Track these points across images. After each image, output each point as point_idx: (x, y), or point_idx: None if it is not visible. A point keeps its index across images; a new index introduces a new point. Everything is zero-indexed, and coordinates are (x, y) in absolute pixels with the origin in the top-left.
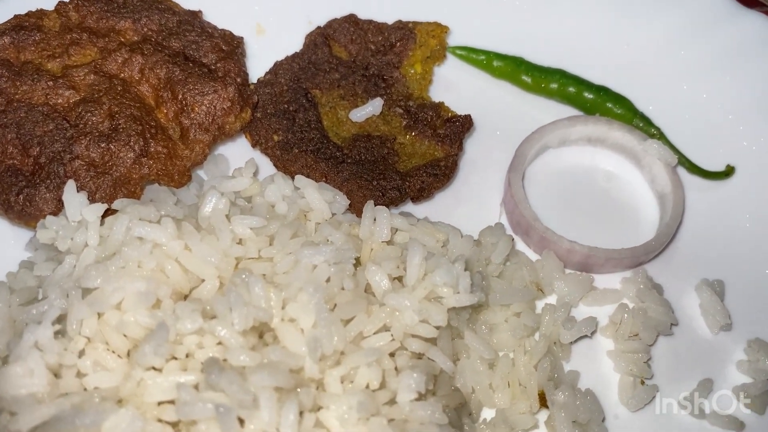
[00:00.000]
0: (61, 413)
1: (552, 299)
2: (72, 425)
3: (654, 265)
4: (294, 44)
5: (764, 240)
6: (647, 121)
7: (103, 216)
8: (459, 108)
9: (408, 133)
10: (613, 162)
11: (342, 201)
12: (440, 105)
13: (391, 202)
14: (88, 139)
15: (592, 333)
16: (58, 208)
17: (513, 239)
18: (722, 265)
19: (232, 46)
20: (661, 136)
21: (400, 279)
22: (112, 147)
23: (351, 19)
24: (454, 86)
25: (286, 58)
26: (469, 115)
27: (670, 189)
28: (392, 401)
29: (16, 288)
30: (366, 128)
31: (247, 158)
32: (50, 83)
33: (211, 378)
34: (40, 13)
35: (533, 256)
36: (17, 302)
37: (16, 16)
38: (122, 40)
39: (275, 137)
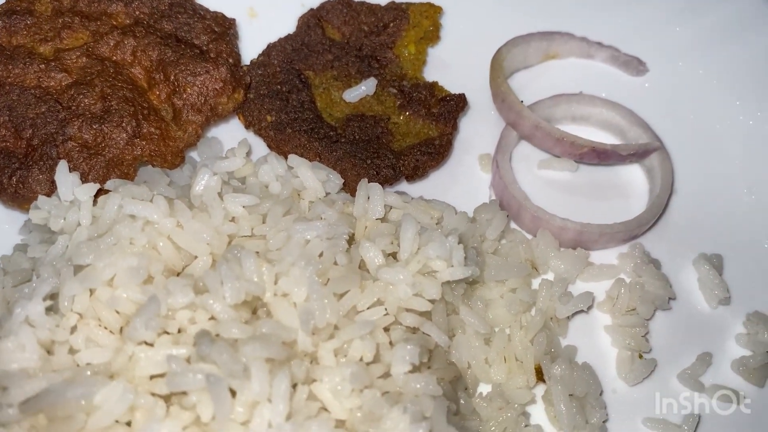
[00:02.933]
0: (53, 386)
1: (548, 276)
2: (63, 397)
3: (651, 240)
4: (287, 27)
5: (762, 214)
6: None
7: (96, 196)
8: (453, 88)
9: (402, 113)
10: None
11: (336, 180)
12: (434, 84)
13: (385, 181)
14: (80, 120)
15: (589, 308)
16: (51, 190)
17: (508, 216)
18: (720, 239)
19: (224, 28)
20: None
21: (394, 255)
22: (104, 128)
23: (344, 1)
24: (448, 66)
25: (279, 39)
26: (463, 94)
27: (657, 162)
28: (386, 374)
29: (10, 270)
30: (360, 108)
31: (240, 140)
32: (42, 66)
33: (202, 349)
34: None
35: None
36: (11, 284)
37: (7, 1)
38: (114, 23)
39: (268, 118)
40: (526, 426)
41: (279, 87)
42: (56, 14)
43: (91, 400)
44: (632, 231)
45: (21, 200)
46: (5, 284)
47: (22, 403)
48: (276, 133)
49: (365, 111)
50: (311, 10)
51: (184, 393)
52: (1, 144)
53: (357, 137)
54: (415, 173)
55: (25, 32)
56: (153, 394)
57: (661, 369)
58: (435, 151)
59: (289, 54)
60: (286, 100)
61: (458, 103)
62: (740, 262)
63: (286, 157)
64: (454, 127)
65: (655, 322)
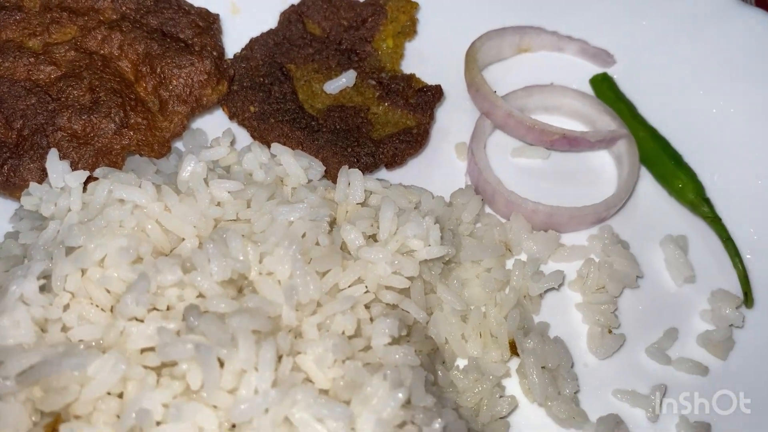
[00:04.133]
0: (47, 358)
1: (521, 257)
2: (58, 369)
3: (619, 222)
4: (268, 22)
5: (725, 197)
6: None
7: (85, 184)
8: (430, 79)
9: (381, 104)
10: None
11: (317, 167)
12: (412, 76)
13: (365, 168)
14: (69, 111)
15: (560, 286)
16: (42, 178)
17: (482, 200)
18: (686, 221)
19: (208, 22)
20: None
21: (374, 237)
22: (93, 119)
23: None
24: (424, 59)
25: (262, 34)
26: (439, 86)
27: (625, 149)
28: (367, 348)
29: (2, 256)
30: (340, 100)
31: (223, 130)
32: (32, 60)
33: (191, 321)
34: None
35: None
36: (3, 269)
37: None
38: (101, 18)
39: (251, 108)
40: (501, 397)
41: (262, 79)
42: (44, 9)
43: (84, 371)
44: (601, 214)
45: (12, 188)
46: None
47: (19, 375)
48: (259, 123)
49: (345, 102)
50: (292, 6)
51: (174, 364)
52: None
53: (338, 127)
54: (394, 161)
55: (14, 27)
56: (144, 367)
57: (629, 343)
58: (413, 140)
59: (271, 48)
60: (269, 92)
61: (435, 94)
62: (704, 243)
63: (269, 146)
64: (431, 117)
65: (624, 300)
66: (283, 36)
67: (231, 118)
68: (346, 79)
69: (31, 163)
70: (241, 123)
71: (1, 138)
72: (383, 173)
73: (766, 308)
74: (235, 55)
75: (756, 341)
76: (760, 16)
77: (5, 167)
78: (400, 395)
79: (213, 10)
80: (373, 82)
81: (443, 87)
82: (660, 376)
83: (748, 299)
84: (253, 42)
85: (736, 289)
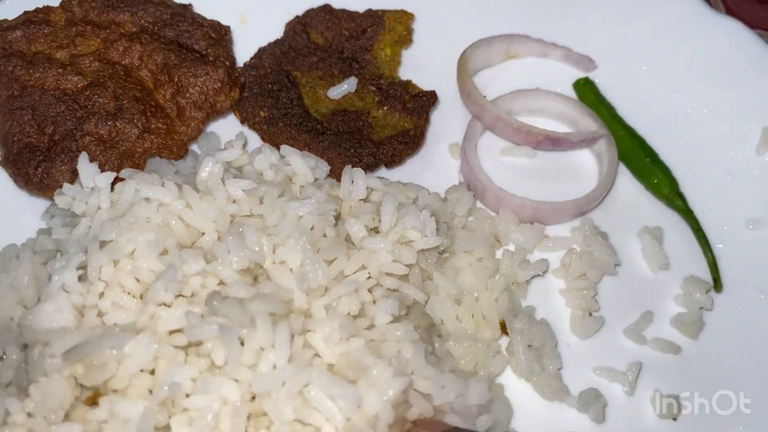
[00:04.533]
0: (89, 339)
1: (510, 247)
2: (99, 347)
3: (599, 215)
4: (274, 32)
5: (698, 192)
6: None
7: (112, 184)
8: (425, 85)
9: (380, 108)
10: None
11: (323, 167)
12: (408, 83)
13: (366, 168)
14: (96, 118)
15: (544, 272)
16: (72, 179)
17: (474, 196)
18: (661, 213)
19: (220, 34)
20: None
21: (375, 229)
22: (117, 124)
23: (326, 9)
24: (420, 66)
25: (269, 44)
26: (434, 91)
27: (604, 148)
28: (371, 326)
29: (37, 250)
30: (343, 104)
31: (237, 133)
32: (60, 70)
33: (214, 305)
34: (47, 9)
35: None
36: (38, 262)
37: (25, 12)
38: (122, 31)
39: (261, 113)
40: (494, 356)
41: (270, 86)
42: (69, 24)
43: (122, 350)
44: (582, 207)
45: (45, 189)
46: (34, 262)
47: (65, 353)
48: (269, 127)
49: (348, 107)
50: (297, 17)
51: (200, 343)
52: (27, 139)
53: (341, 129)
54: (393, 160)
55: (42, 40)
56: (174, 346)
57: (608, 325)
58: (410, 141)
59: (278, 57)
60: (277, 98)
61: (430, 99)
62: (678, 233)
63: (278, 148)
64: (427, 120)
65: (603, 286)
66: (289, 45)
67: (242, 122)
68: (348, 85)
69: (62, 166)
70: (252, 127)
71: (34, 143)
72: (383, 172)
73: (733, 292)
74: (245, 64)
75: (724, 323)
76: (730, 24)
77: (39, 169)
78: (404, 380)
79: (223, 21)
80: (373, 88)
81: (437, 92)
82: (636, 355)
83: (717, 284)
84: (261, 51)
85: (706, 275)
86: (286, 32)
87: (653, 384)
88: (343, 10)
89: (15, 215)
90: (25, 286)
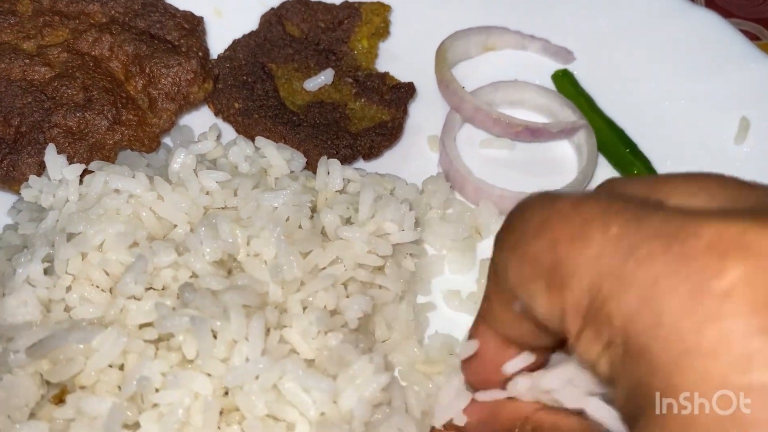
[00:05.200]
0: (55, 333)
1: (490, 239)
2: (65, 342)
3: None
4: (249, 25)
5: None
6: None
7: (81, 177)
8: (403, 77)
9: (358, 100)
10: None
11: (299, 159)
12: (386, 75)
13: (344, 160)
14: (64, 109)
15: None
16: (40, 172)
17: (451, 186)
18: None
19: (193, 25)
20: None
21: (349, 220)
22: (87, 116)
23: (302, 0)
24: (397, 58)
25: (244, 36)
26: (412, 83)
27: (584, 138)
28: (346, 324)
29: (2, 246)
30: (319, 96)
31: (210, 125)
32: (27, 61)
33: (186, 296)
34: None
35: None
36: (4, 258)
37: None
38: (92, 21)
39: (236, 105)
40: None
41: (245, 78)
42: (37, 14)
43: (89, 344)
44: None
45: (11, 182)
46: (0, 259)
47: (29, 348)
48: (244, 119)
49: (324, 98)
50: (272, 8)
51: (170, 337)
52: None
53: (318, 121)
54: (371, 152)
55: (8, 30)
56: (144, 341)
57: None
58: (388, 133)
59: (253, 48)
60: (252, 90)
61: (408, 91)
62: None
63: (253, 140)
64: (405, 112)
65: None
66: (264, 37)
67: (216, 114)
68: (325, 77)
69: (30, 158)
70: (226, 119)
71: (0, 135)
72: (360, 163)
73: None
74: (219, 56)
75: None
76: (706, 16)
77: (5, 162)
78: (383, 379)
79: (197, 13)
80: (350, 80)
81: (415, 84)
82: None
83: None
84: (236, 43)
85: None
86: (261, 24)
87: None
88: (319, 2)
89: None
90: None
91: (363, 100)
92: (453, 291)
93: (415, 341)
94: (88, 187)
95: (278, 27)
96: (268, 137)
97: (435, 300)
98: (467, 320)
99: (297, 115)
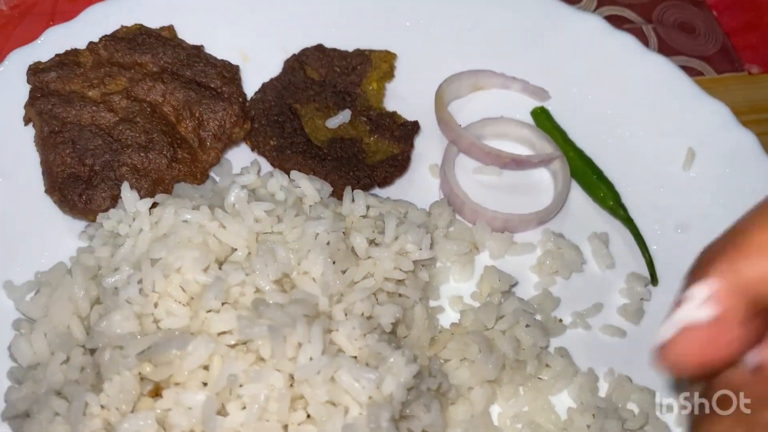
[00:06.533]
0: (157, 341)
1: (485, 253)
2: (167, 347)
3: (556, 224)
4: (273, 69)
5: (636, 204)
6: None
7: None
8: (405, 113)
9: (372, 136)
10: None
11: (326, 188)
12: (394, 113)
13: (363, 188)
14: (130, 150)
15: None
16: (112, 205)
17: (453, 210)
18: (606, 221)
19: (232, 73)
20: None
21: (373, 242)
22: (150, 155)
23: (320, 48)
24: (401, 98)
25: (271, 80)
26: (417, 122)
27: (559, 167)
28: (379, 326)
29: (81, 265)
30: (339, 133)
31: (245, 160)
32: (94, 108)
33: (260, 309)
34: (75, 52)
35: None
36: (87, 277)
37: (57, 55)
38: (145, 71)
39: (272, 142)
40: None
41: (276, 118)
42: (97, 65)
43: (185, 349)
44: (543, 218)
45: (87, 212)
46: (85, 277)
47: (139, 354)
48: (278, 154)
49: (343, 134)
50: (294, 55)
51: (246, 342)
52: (69, 170)
53: (339, 155)
54: (385, 181)
55: (75, 80)
56: (226, 345)
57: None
58: (399, 165)
59: (280, 91)
60: (282, 128)
61: (414, 128)
62: (621, 238)
63: (287, 173)
64: (412, 146)
65: (561, 284)
66: (289, 81)
67: (253, 149)
68: (343, 116)
69: (103, 193)
70: (262, 153)
71: (77, 172)
72: (375, 190)
73: (666, 285)
74: (252, 98)
75: (660, 310)
76: (658, 60)
77: (83, 197)
78: (413, 368)
79: (226, 58)
80: (364, 119)
81: (418, 120)
82: (592, 337)
83: (653, 279)
84: (265, 86)
85: (644, 272)
86: (285, 69)
87: (607, 362)
88: (335, 50)
89: (52, 236)
90: (80, 299)
91: (376, 136)
92: (457, 297)
93: (428, 337)
94: (160, 218)
95: (300, 71)
96: (299, 170)
97: (443, 304)
98: None
99: (321, 150)
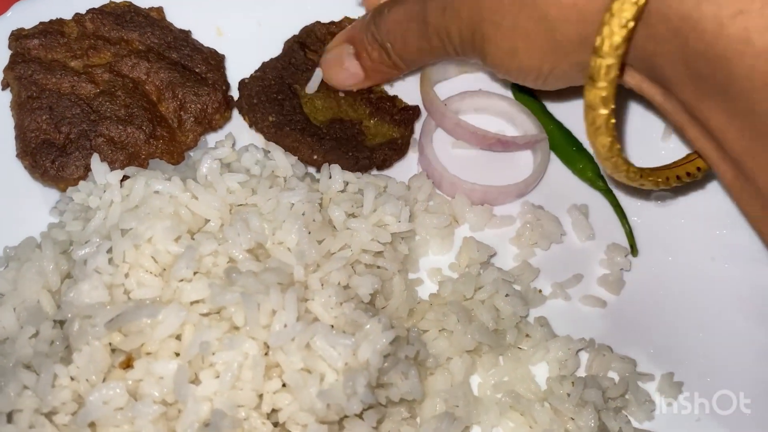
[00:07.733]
0: (127, 310)
1: (465, 226)
2: (138, 316)
3: (536, 196)
4: (274, 49)
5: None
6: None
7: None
8: (409, 99)
9: (372, 119)
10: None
11: (300, 168)
12: (395, 98)
13: (362, 169)
14: (108, 121)
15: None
16: (84, 174)
17: (432, 183)
18: (586, 193)
19: (217, 61)
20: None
21: (352, 215)
22: (128, 129)
23: (318, 26)
24: (402, 83)
25: (271, 59)
26: (418, 106)
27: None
28: (356, 296)
29: (52, 241)
30: (339, 114)
31: (225, 135)
32: (75, 78)
33: (233, 277)
34: (60, 22)
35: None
36: (57, 252)
37: (41, 23)
38: (131, 48)
39: (270, 118)
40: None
41: (275, 95)
42: (82, 37)
43: (156, 318)
44: (522, 190)
45: (59, 180)
46: (55, 251)
47: (107, 323)
48: (276, 130)
49: (343, 116)
50: (293, 36)
51: (220, 309)
52: (44, 136)
53: (339, 136)
54: (384, 164)
55: (58, 49)
56: (198, 314)
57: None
58: (398, 148)
59: (280, 71)
60: (282, 106)
61: (414, 113)
62: (600, 209)
63: (285, 149)
64: (412, 131)
65: (541, 256)
66: (288, 61)
67: (250, 125)
68: (316, 75)
69: (76, 161)
70: (259, 130)
71: (51, 139)
72: (374, 172)
73: (646, 256)
74: (251, 76)
75: (640, 280)
76: None
77: (55, 163)
78: (390, 334)
79: (223, 40)
80: (364, 101)
81: (419, 105)
82: (566, 310)
83: (633, 250)
84: (265, 65)
85: (624, 242)
86: (284, 50)
87: (587, 332)
88: (333, 23)
89: (23, 211)
90: (50, 272)
91: (376, 119)
92: (436, 269)
93: (406, 309)
94: (131, 189)
95: (300, 53)
96: (297, 147)
97: (422, 276)
98: None
99: (321, 130)
